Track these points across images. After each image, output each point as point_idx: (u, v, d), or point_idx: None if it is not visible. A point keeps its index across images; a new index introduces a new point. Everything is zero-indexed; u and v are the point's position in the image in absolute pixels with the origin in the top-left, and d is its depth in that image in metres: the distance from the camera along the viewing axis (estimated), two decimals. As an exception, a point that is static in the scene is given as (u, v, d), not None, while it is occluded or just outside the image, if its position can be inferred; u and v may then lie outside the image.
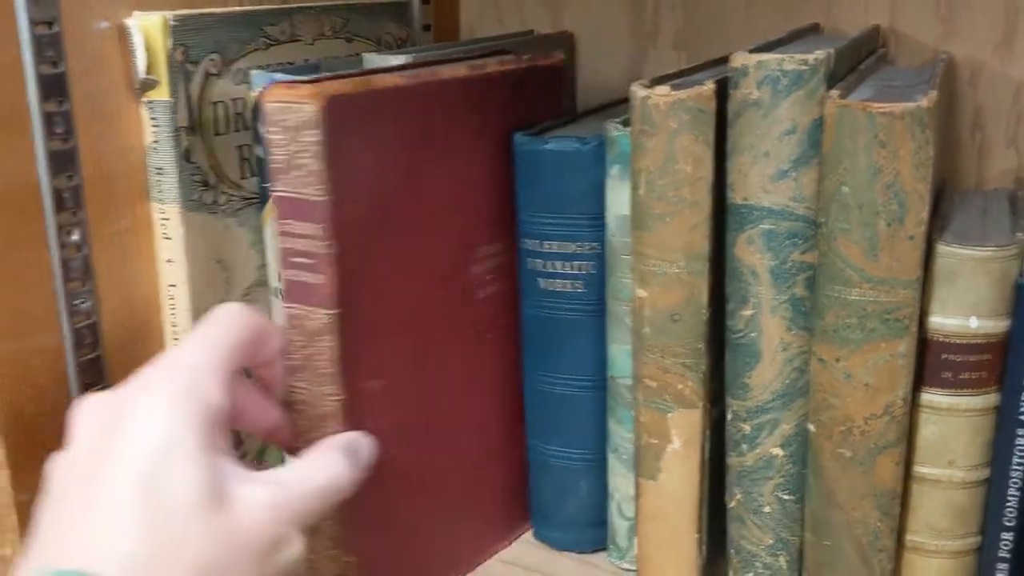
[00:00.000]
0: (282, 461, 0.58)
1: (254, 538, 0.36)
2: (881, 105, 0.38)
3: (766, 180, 0.41)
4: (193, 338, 0.39)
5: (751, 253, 0.43)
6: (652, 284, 0.44)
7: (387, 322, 0.46)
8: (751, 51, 0.42)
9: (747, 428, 0.45)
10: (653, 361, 0.46)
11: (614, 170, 0.47)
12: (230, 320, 0.40)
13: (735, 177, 0.42)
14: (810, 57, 0.40)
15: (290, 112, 0.41)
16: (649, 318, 0.45)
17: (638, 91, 0.43)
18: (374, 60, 0.51)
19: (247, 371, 0.44)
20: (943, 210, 0.49)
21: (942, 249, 0.43)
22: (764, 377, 0.44)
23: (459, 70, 0.49)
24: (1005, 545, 0.46)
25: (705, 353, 0.45)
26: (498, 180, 0.51)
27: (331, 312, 0.43)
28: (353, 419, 0.44)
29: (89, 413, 0.37)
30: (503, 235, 0.52)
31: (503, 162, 0.51)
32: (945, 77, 0.49)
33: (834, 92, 0.40)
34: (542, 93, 0.55)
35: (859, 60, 0.49)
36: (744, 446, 0.45)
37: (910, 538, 0.47)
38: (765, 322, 0.43)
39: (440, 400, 0.51)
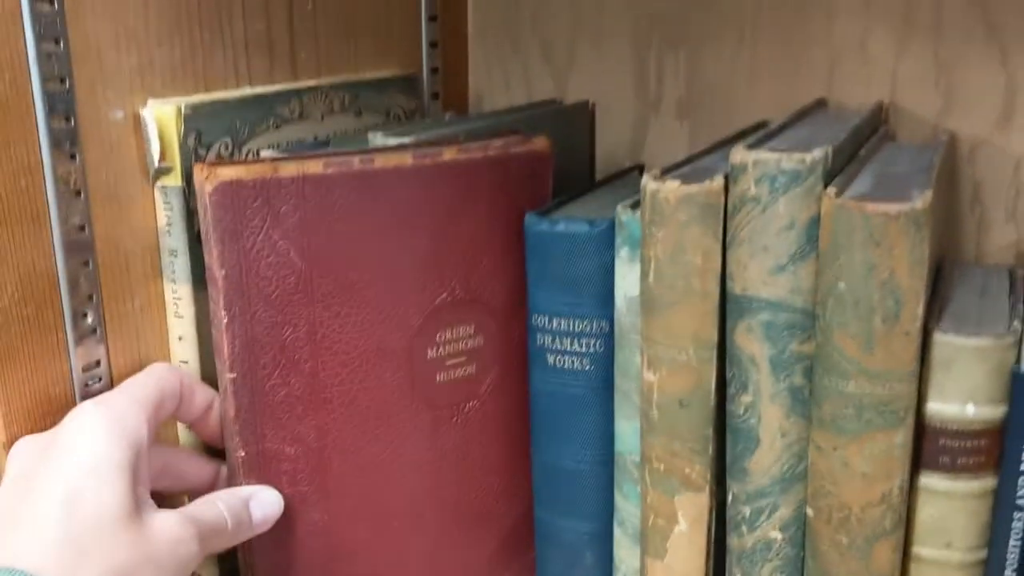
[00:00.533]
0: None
1: (159, 555, 0.42)
2: (876, 205, 0.39)
3: (765, 273, 0.42)
4: (119, 388, 0.46)
5: (751, 342, 0.43)
6: (661, 369, 0.45)
7: (305, 393, 0.50)
8: (749, 146, 0.43)
9: (746, 511, 0.46)
10: (661, 444, 0.47)
11: (623, 252, 0.48)
12: (154, 374, 0.47)
13: (735, 268, 0.43)
14: (807, 156, 0.41)
15: (200, 190, 0.46)
16: (658, 402, 0.45)
17: (649, 184, 0.44)
18: (377, 140, 0.52)
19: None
20: (941, 290, 0.49)
21: (939, 338, 0.43)
22: (763, 462, 0.45)
23: (405, 158, 0.50)
24: (1004, 625, 0.47)
25: (712, 439, 0.46)
26: (460, 266, 0.52)
27: (231, 375, 0.48)
28: (260, 477, 0.49)
29: (22, 449, 0.43)
30: (473, 318, 0.53)
31: (468, 249, 0.52)
32: (944, 161, 0.50)
33: (831, 189, 0.40)
34: (522, 181, 0.54)
35: (861, 145, 0.50)
36: (744, 528, 0.46)
37: (910, 617, 0.47)
38: (764, 409, 0.44)
39: (392, 477, 0.53)
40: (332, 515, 0.52)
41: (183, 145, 0.49)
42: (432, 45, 0.69)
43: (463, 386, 0.54)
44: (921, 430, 0.45)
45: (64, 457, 0.41)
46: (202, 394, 0.50)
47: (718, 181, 0.42)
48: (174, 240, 0.50)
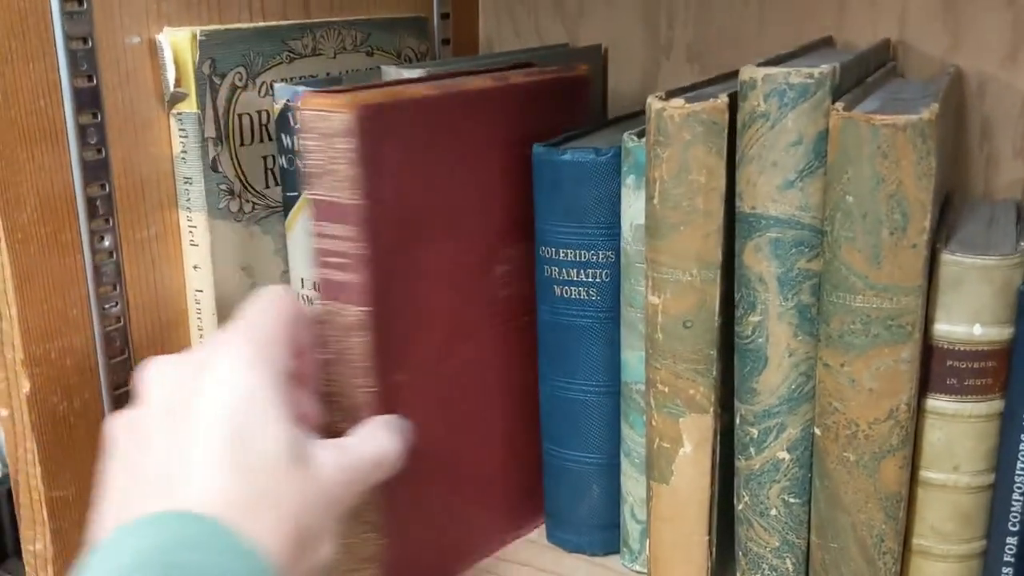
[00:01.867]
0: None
1: (329, 494, 0.38)
2: (884, 117, 0.39)
3: (773, 190, 0.43)
4: (246, 317, 0.41)
5: (759, 261, 0.44)
6: (665, 291, 0.45)
7: (415, 319, 0.48)
8: (760, 64, 0.43)
9: (754, 432, 0.46)
10: (665, 367, 0.47)
11: (629, 180, 0.49)
12: (276, 301, 0.42)
13: (744, 186, 0.43)
14: (815, 71, 0.41)
15: (325, 120, 0.43)
16: (662, 324, 0.46)
17: (654, 103, 0.44)
18: (391, 73, 0.53)
19: None
20: (949, 219, 0.50)
21: (946, 258, 0.44)
22: (771, 382, 0.45)
23: (484, 81, 0.51)
24: (1010, 549, 0.47)
25: (716, 359, 0.46)
26: (520, 187, 0.53)
27: (363, 309, 0.45)
28: (383, 410, 0.46)
29: (160, 374, 0.39)
30: (523, 238, 0.54)
31: (525, 171, 0.52)
32: (951, 89, 0.50)
33: (839, 104, 0.41)
34: (567, 104, 0.57)
35: (867, 73, 0.50)
36: (751, 449, 0.47)
37: (916, 542, 0.48)
38: (772, 328, 0.44)
39: (464, 394, 0.53)
40: (429, 428, 0.50)
41: (198, 72, 0.50)
42: (443, -10, 0.69)
43: (515, 303, 0.55)
44: (929, 352, 0.45)
45: (223, 393, 0.37)
46: (309, 327, 0.45)
47: (722, 99, 0.43)
48: (189, 167, 0.51)
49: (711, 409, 0.47)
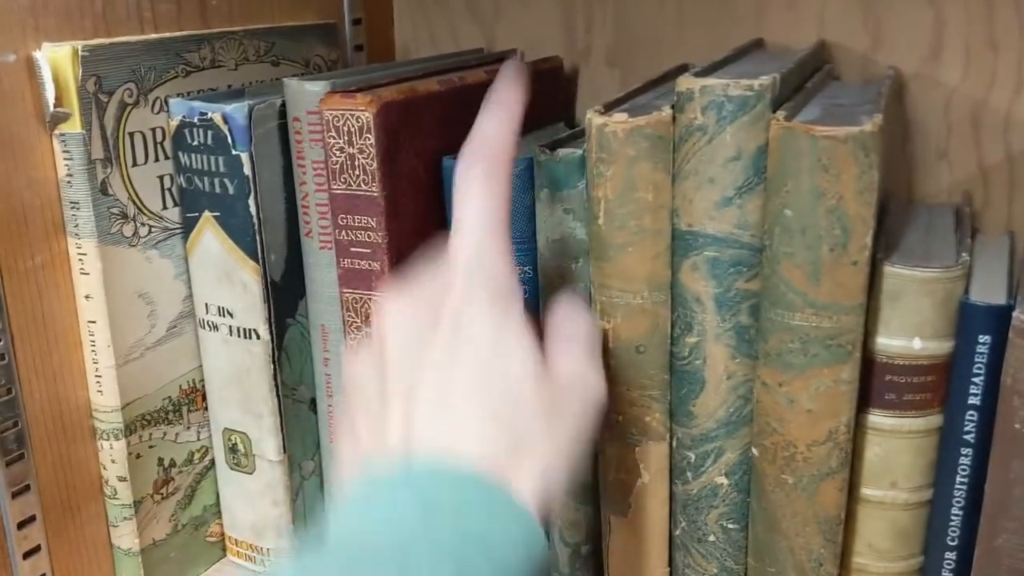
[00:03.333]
0: (213, 500, 0.56)
1: (577, 408, 0.36)
2: (824, 128, 0.38)
3: (711, 207, 0.40)
4: (469, 207, 0.38)
5: (696, 280, 0.42)
6: (616, 316, 0.43)
7: None
8: (696, 74, 0.41)
9: (692, 456, 0.44)
10: (620, 394, 0.45)
11: (543, 195, 0.46)
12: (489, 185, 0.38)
13: (680, 203, 0.41)
14: (755, 83, 0.39)
15: (347, 119, 0.46)
16: (614, 351, 0.43)
17: (594, 119, 0.42)
18: (292, 85, 0.49)
19: None
20: (888, 226, 0.48)
21: (887, 270, 0.42)
22: (708, 405, 0.43)
23: (479, 75, 0.54)
24: (948, 565, 0.46)
25: (671, 384, 0.44)
26: None
27: None
28: None
29: (399, 316, 0.36)
30: None
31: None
32: (891, 95, 0.49)
33: (780, 113, 0.39)
34: (549, 93, 0.59)
35: (806, 78, 0.49)
36: (689, 474, 0.45)
37: (855, 560, 0.47)
38: (709, 349, 0.42)
39: None
40: None
41: (81, 89, 0.46)
42: (353, -6, 0.66)
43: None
44: (868, 366, 0.44)
45: (470, 335, 0.35)
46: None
47: (667, 112, 0.41)
48: (76, 191, 0.47)
49: (667, 435, 0.45)
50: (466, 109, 0.51)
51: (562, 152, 0.45)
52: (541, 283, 0.48)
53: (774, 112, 0.39)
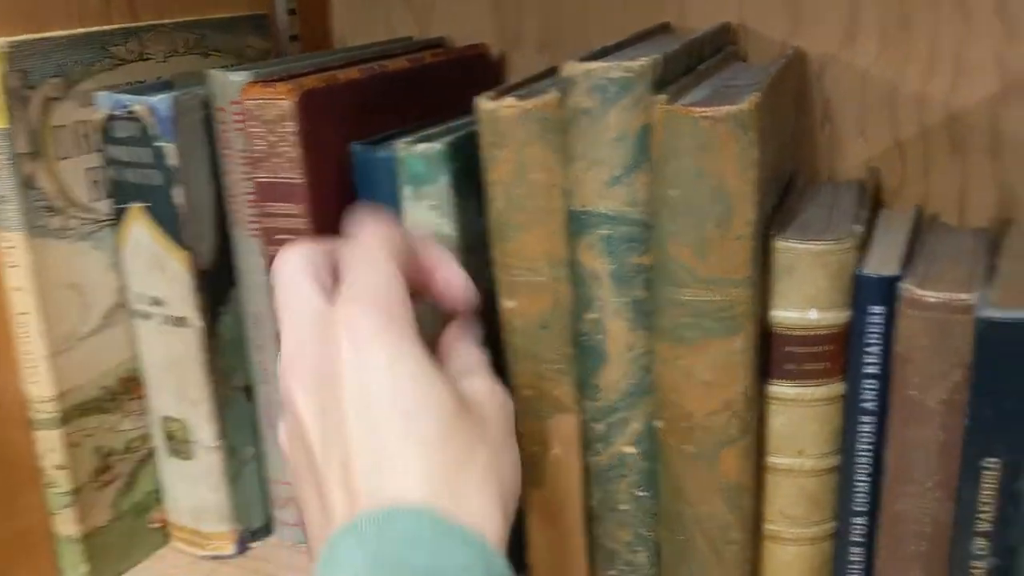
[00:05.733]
0: (154, 487, 0.57)
1: (499, 418, 0.37)
2: (703, 109, 0.39)
3: (601, 186, 0.42)
4: (358, 279, 0.37)
5: (592, 258, 0.43)
6: (520, 294, 0.44)
7: None
8: (583, 59, 0.42)
9: (600, 428, 0.46)
10: (528, 370, 0.46)
11: (407, 191, 0.48)
12: (379, 241, 0.39)
13: (573, 184, 0.43)
14: (635, 64, 0.40)
15: (267, 108, 0.47)
16: (520, 328, 0.45)
17: (483, 104, 0.43)
18: (215, 76, 0.51)
19: None
20: (790, 204, 0.50)
21: (780, 244, 0.44)
22: (611, 377, 0.44)
23: (401, 63, 0.56)
24: (857, 529, 0.47)
25: (576, 357, 0.45)
26: None
27: None
28: None
29: (299, 383, 0.36)
30: None
31: None
32: (785, 72, 0.50)
33: (662, 97, 0.40)
34: (474, 80, 0.59)
35: (700, 59, 0.50)
36: (599, 445, 0.46)
37: (767, 527, 0.48)
38: (609, 324, 0.44)
39: None
40: None
41: (6, 84, 0.47)
42: (287, -14, 0.67)
43: None
44: (767, 338, 0.45)
45: (371, 378, 0.34)
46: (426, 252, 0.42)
47: (554, 95, 0.42)
48: (1, 186, 0.48)
49: (576, 407, 0.46)
50: (387, 96, 0.53)
51: (420, 147, 0.46)
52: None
53: (661, 91, 0.40)
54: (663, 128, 0.40)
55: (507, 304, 0.45)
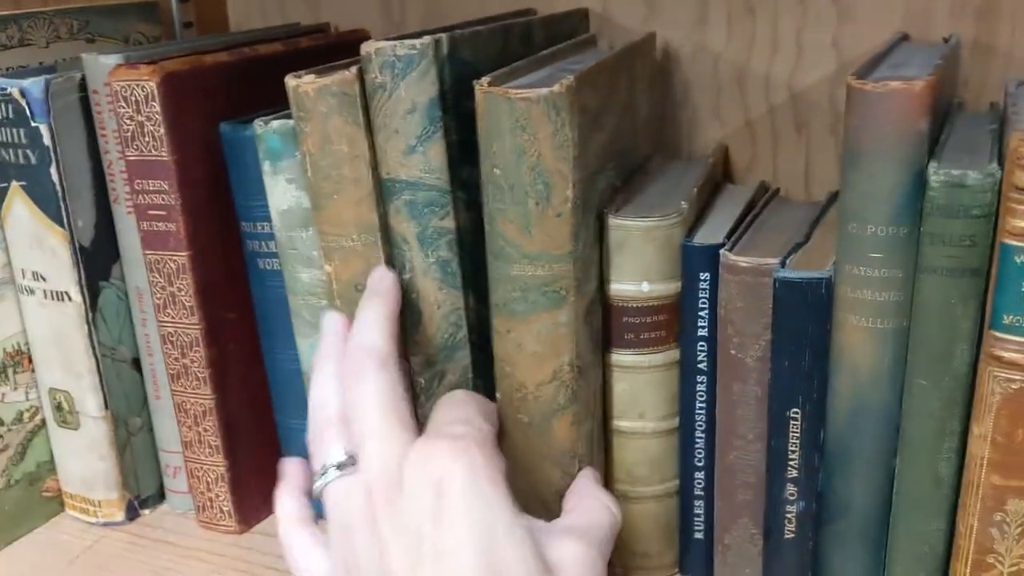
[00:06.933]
0: (47, 457, 0.59)
1: None
2: (519, 91, 0.42)
3: (400, 155, 0.44)
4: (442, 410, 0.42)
5: (400, 222, 0.46)
6: (335, 258, 0.47)
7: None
8: (388, 39, 0.45)
9: (422, 381, 0.48)
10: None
11: (266, 166, 0.50)
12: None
13: (379, 154, 0.45)
14: (418, 42, 0.43)
15: (133, 89, 0.50)
16: (337, 291, 0.47)
17: (289, 81, 0.45)
18: (88, 60, 0.53)
19: None
20: (636, 182, 0.53)
21: (611, 221, 0.47)
22: (427, 333, 0.47)
23: (275, 47, 0.59)
24: (698, 484, 0.51)
25: None
26: None
27: (185, 254, 0.53)
28: (214, 345, 0.55)
29: (356, 504, 0.38)
30: None
31: None
32: (624, 58, 0.52)
33: (485, 79, 0.42)
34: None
35: (535, 42, 0.53)
36: (423, 398, 0.49)
37: (616, 487, 0.51)
38: (420, 284, 0.46)
39: None
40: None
41: None
42: (180, -27, 0.69)
43: None
44: (607, 310, 0.48)
45: (455, 535, 0.36)
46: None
47: (352, 71, 0.44)
48: None
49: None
50: (256, 77, 0.56)
51: (275, 123, 0.49)
52: (280, 256, 0.52)
53: (441, 70, 0.43)
54: (484, 109, 0.42)
55: (326, 268, 0.48)
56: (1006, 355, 0.38)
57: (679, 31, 0.59)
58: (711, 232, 0.49)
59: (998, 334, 0.38)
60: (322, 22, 0.69)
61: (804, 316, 0.43)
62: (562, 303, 0.44)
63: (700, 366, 0.48)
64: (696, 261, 0.47)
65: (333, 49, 0.61)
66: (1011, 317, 0.38)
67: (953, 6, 0.54)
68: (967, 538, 0.41)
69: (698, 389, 0.49)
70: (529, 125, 0.42)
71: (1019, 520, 0.40)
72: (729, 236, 0.48)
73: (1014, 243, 0.37)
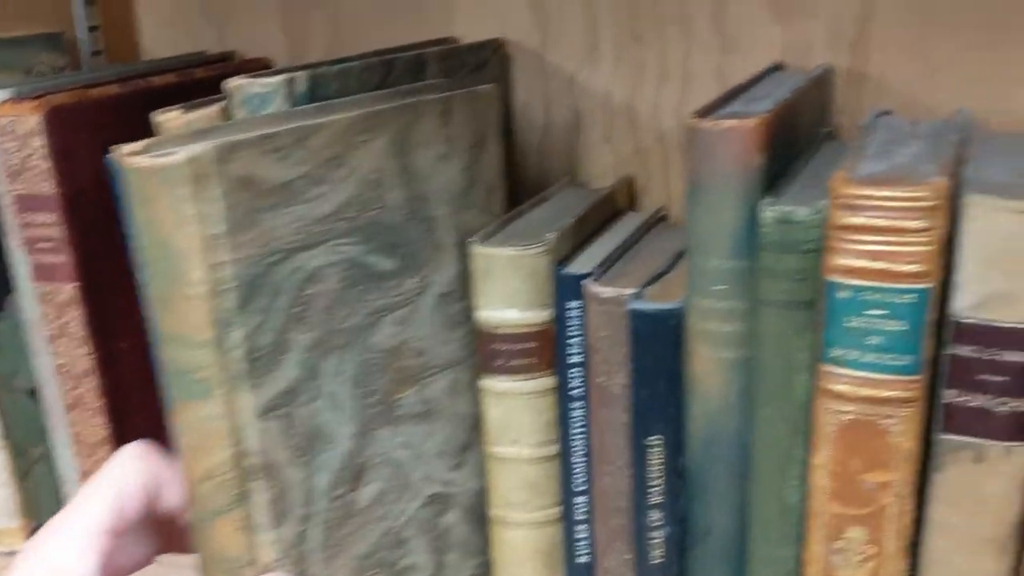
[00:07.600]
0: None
1: None
2: (140, 159, 0.37)
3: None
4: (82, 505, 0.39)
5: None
6: None
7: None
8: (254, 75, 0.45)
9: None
10: None
11: None
12: (129, 467, 0.40)
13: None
14: (272, 80, 0.44)
15: (18, 124, 0.51)
16: None
17: (156, 117, 0.46)
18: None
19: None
20: (525, 211, 0.53)
21: (476, 250, 0.47)
22: None
23: (169, 78, 0.60)
24: (580, 509, 0.51)
25: None
26: None
27: (75, 285, 0.53)
28: (108, 375, 0.55)
29: None
30: None
31: None
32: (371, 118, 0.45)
33: (127, 146, 0.37)
34: None
35: (424, 75, 0.53)
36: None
37: (494, 512, 0.51)
38: None
39: None
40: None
41: None
42: (89, 2, 0.70)
43: None
44: (480, 336, 0.48)
45: None
46: (176, 487, 0.41)
47: (216, 107, 0.46)
48: None
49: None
50: (148, 109, 0.55)
51: None
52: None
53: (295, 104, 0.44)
54: (126, 179, 0.37)
55: None
56: (836, 387, 0.39)
57: (572, 60, 0.60)
58: (589, 260, 0.49)
59: (828, 367, 0.39)
60: (227, 51, 0.70)
61: (658, 346, 0.44)
62: (208, 395, 0.38)
63: (574, 392, 0.49)
64: (566, 289, 0.47)
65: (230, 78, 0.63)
66: (838, 351, 0.38)
67: (829, 37, 0.55)
68: (813, 565, 0.42)
69: (574, 414, 0.49)
70: (150, 198, 0.36)
71: (859, 547, 0.40)
72: (603, 264, 0.48)
73: (838, 280, 0.38)
